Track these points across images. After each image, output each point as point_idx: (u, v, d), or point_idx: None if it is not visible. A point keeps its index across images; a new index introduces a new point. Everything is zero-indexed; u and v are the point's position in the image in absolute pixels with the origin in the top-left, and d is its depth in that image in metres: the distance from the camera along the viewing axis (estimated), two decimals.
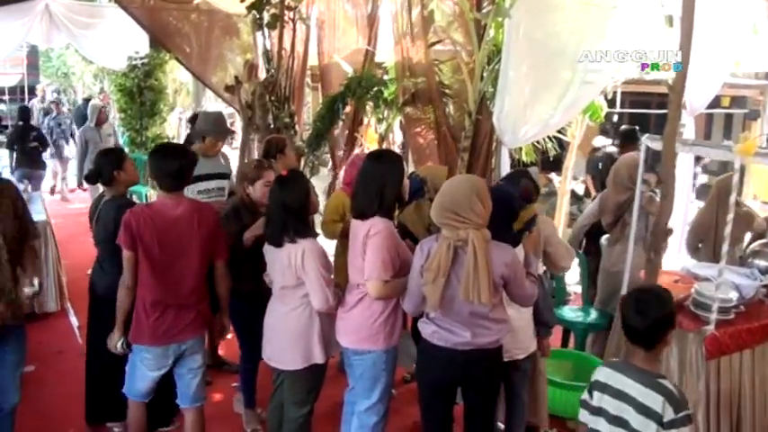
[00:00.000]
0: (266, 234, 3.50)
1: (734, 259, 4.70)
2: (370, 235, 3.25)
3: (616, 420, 2.49)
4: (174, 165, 3.39)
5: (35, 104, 14.71)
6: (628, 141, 7.21)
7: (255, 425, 4.33)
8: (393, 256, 3.27)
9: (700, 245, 5.17)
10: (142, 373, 3.54)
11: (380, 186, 3.31)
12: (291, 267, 3.35)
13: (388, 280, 3.25)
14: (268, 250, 3.51)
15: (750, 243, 4.86)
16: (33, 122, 11.31)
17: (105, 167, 4.00)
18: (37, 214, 6.16)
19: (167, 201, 3.41)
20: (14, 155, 9.78)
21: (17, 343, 3.53)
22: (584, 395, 2.66)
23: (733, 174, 3.69)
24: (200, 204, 3.60)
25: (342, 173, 5.73)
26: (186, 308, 3.45)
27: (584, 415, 2.65)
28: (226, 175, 4.94)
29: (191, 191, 4.73)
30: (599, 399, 2.57)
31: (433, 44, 6.30)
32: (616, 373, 2.55)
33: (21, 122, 9.99)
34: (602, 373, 2.60)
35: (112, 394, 3.94)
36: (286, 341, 3.48)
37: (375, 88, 6.58)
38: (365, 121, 7.48)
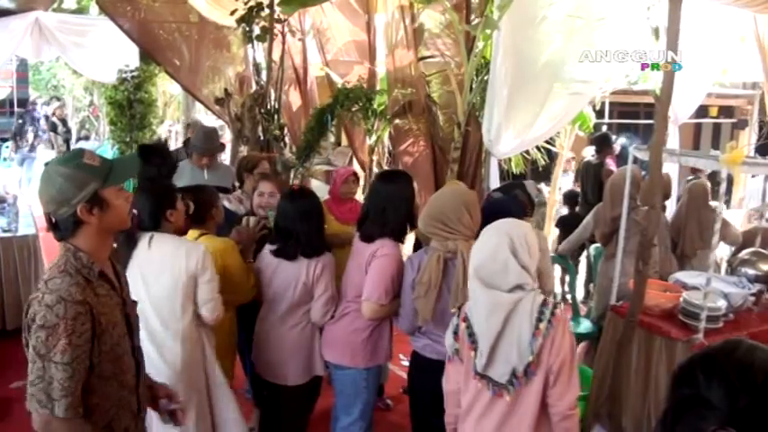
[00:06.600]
0: (279, 248, 3.39)
1: (703, 265, 4.76)
2: (378, 255, 3.21)
3: None
4: None
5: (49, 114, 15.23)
6: (603, 147, 7.32)
7: (257, 425, 4.31)
8: (395, 281, 3.22)
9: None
10: None
11: (391, 208, 3.26)
12: (309, 282, 3.32)
13: (384, 304, 3.22)
14: (274, 263, 3.42)
15: (737, 252, 4.90)
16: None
17: None
18: (26, 228, 6.15)
19: None
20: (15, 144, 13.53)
21: None
22: None
23: (703, 179, 3.71)
24: None
25: None
26: None
27: None
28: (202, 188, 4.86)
29: None
30: None
31: (423, 58, 6.34)
32: None
33: (20, 120, 13.92)
34: None
35: None
36: (286, 357, 3.44)
37: (364, 99, 6.60)
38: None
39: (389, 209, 3.25)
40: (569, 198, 7.82)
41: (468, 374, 2.50)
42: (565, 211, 8.07)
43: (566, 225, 7.19)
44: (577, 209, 7.46)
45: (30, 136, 13.42)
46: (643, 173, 4.74)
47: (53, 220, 1.99)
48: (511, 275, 2.36)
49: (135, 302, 2.25)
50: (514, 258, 2.36)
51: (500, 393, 2.39)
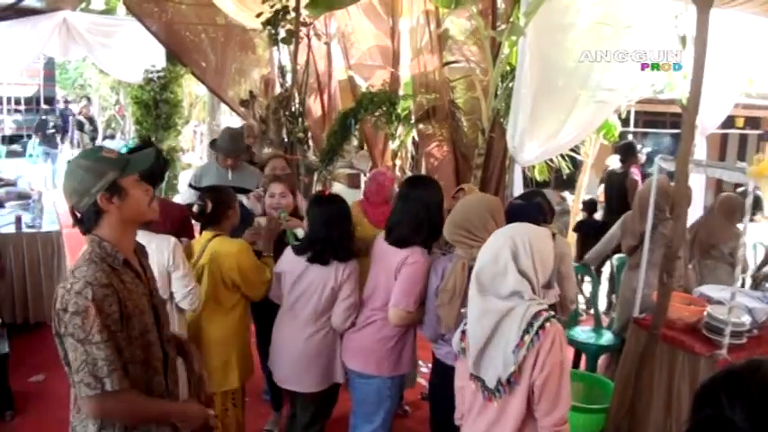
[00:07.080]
0: (315, 253, 3.37)
1: (713, 275, 4.76)
2: (408, 263, 3.19)
3: None
4: None
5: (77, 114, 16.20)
6: (627, 156, 7.30)
7: (274, 428, 4.33)
8: (423, 288, 3.22)
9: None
10: None
11: (424, 213, 3.25)
12: (337, 286, 3.32)
13: (412, 311, 3.21)
14: (299, 268, 3.41)
15: (761, 266, 4.82)
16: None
17: None
18: (50, 224, 6.21)
19: None
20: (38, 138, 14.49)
21: None
22: None
23: (734, 193, 3.65)
24: None
25: None
26: None
27: None
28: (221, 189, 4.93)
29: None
30: None
31: (448, 63, 6.33)
32: None
33: (43, 117, 15.45)
34: None
35: None
36: (305, 365, 3.43)
37: (387, 104, 6.60)
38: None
39: (423, 214, 3.24)
40: (588, 205, 7.92)
41: (468, 374, 2.50)
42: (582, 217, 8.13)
43: (582, 230, 7.36)
44: (596, 215, 7.52)
45: (50, 131, 14.09)
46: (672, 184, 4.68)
47: (77, 215, 2.07)
48: (509, 280, 2.32)
49: (164, 300, 2.30)
50: (513, 262, 2.32)
51: (489, 398, 2.39)
